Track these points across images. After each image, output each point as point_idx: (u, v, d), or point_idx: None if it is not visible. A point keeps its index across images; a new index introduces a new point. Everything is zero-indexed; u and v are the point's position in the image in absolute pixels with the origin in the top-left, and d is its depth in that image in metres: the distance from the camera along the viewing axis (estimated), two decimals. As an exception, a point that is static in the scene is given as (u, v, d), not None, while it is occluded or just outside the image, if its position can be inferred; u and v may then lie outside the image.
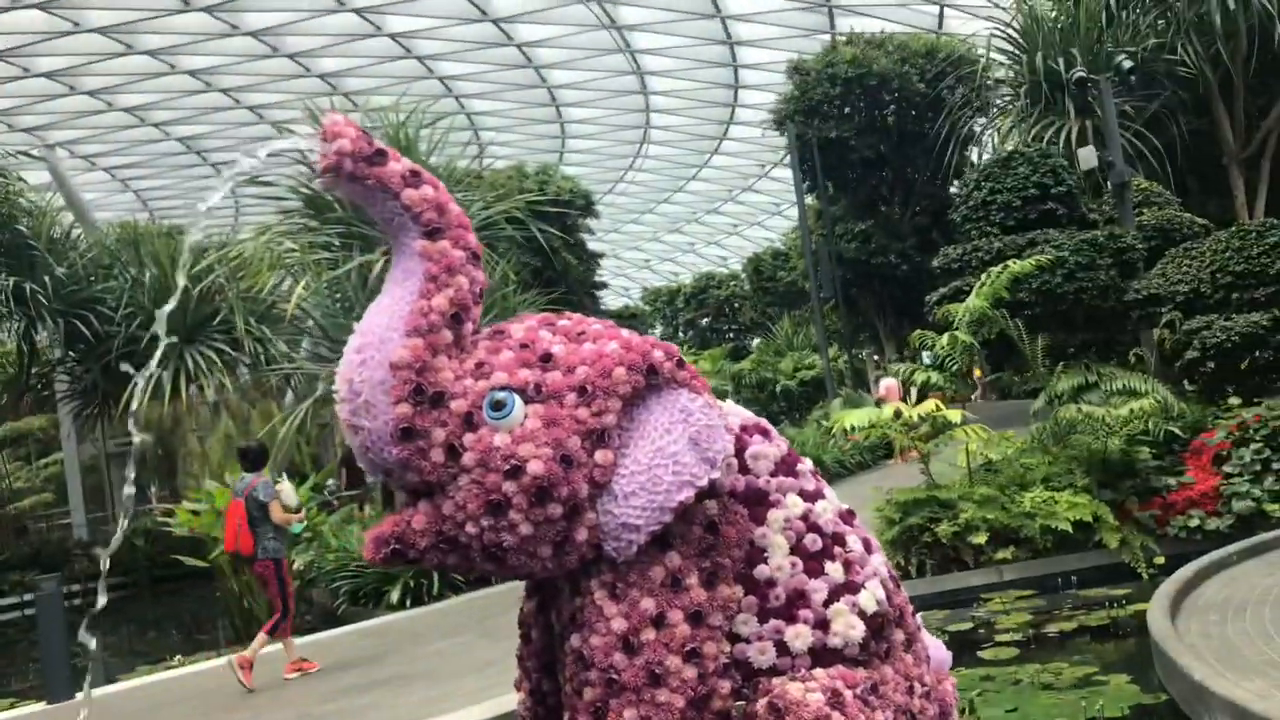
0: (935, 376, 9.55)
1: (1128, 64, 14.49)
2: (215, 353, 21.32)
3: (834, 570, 3.72)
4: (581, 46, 33.75)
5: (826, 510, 3.85)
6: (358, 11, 29.78)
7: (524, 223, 17.52)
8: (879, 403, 15.90)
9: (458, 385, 3.42)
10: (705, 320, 54.60)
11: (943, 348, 9.66)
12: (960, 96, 24.11)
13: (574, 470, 3.40)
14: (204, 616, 18.88)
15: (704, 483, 3.52)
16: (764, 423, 4.04)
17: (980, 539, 8.98)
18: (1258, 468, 9.30)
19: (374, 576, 12.33)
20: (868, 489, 10.49)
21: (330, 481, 22.59)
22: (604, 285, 38.00)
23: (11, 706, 10.57)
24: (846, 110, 26.05)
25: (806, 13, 31.83)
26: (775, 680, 3.56)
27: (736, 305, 51.39)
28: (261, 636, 8.89)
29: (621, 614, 3.50)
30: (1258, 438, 9.44)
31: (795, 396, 25.28)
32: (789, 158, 35.85)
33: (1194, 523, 9.20)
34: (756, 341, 46.58)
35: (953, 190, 29.06)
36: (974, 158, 28.32)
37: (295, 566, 13.93)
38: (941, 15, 30.74)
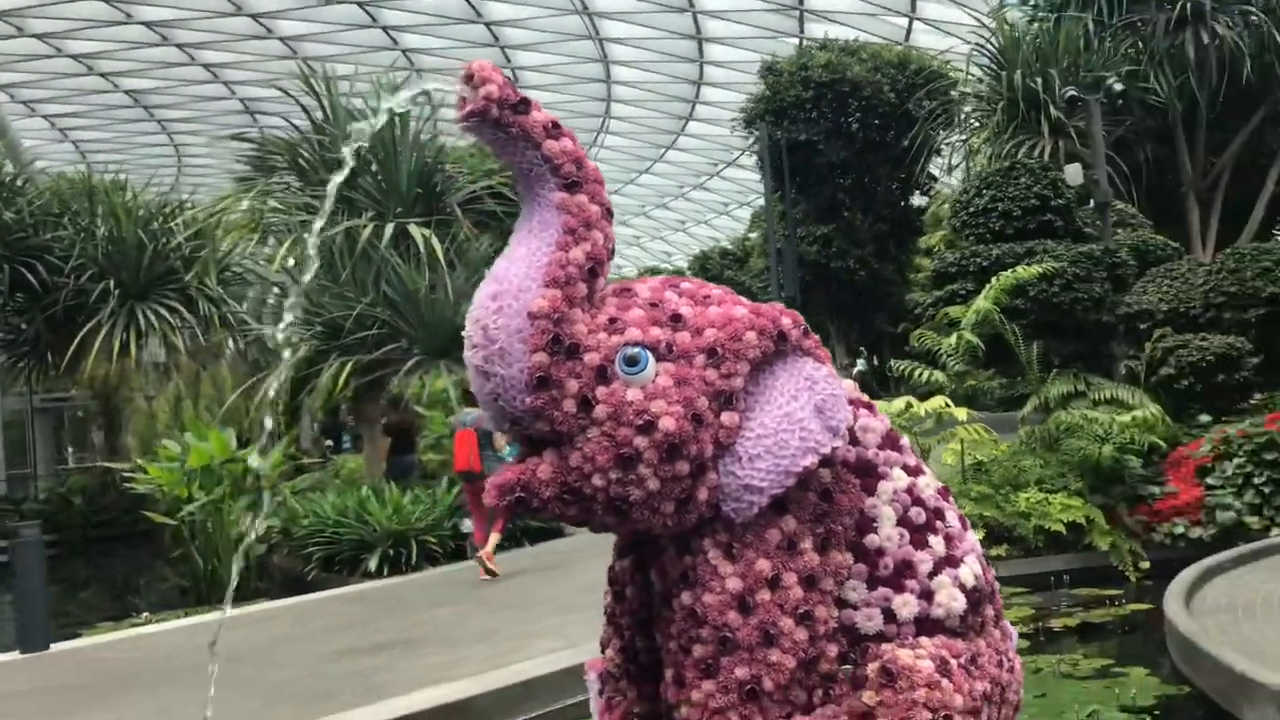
0: (939, 376, 9.75)
1: (1118, 86, 14.92)
2: (168, 310, 20.77)
3: (936, 544, 3.81)
4: (550, 30, 33.62)
5: (928, 486, 3.94)
6: (328, -25, 29.32)
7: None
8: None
9: (591, 338, 3.43)
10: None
11: (950, 347, 9.87)
12: (929, 109, 24.51)
13: (702, 430, 3.43)
14: (137, 578, 18.49)
15: (828, 450, 3.58)
16: (866, 397, 4.14)
17: (977, 535, 9.18)
18: (1239, 481, 9.69)
19: (351, 544, 12.16)
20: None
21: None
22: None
23: (-25, 656, 10.21)
24: (814, 115, 26.33)
25: (778, 15, 32.11)
26: (884, 646, 3.63)
27: (680, 301, 51.43)
28: (494, 537, 11.03)
29: (737, 574, 3.54)
30: (1240, 453, 9.83)
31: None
32: (744, 157, 36.15)
33: (1179, 530, 9.56)
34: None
35: (914, 201, 29.61)
36: (936, 171, 28.91)
37: (260, 530, 13.72)
38: (910, 29, 31.26)
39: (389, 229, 13.52)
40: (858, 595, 3.68)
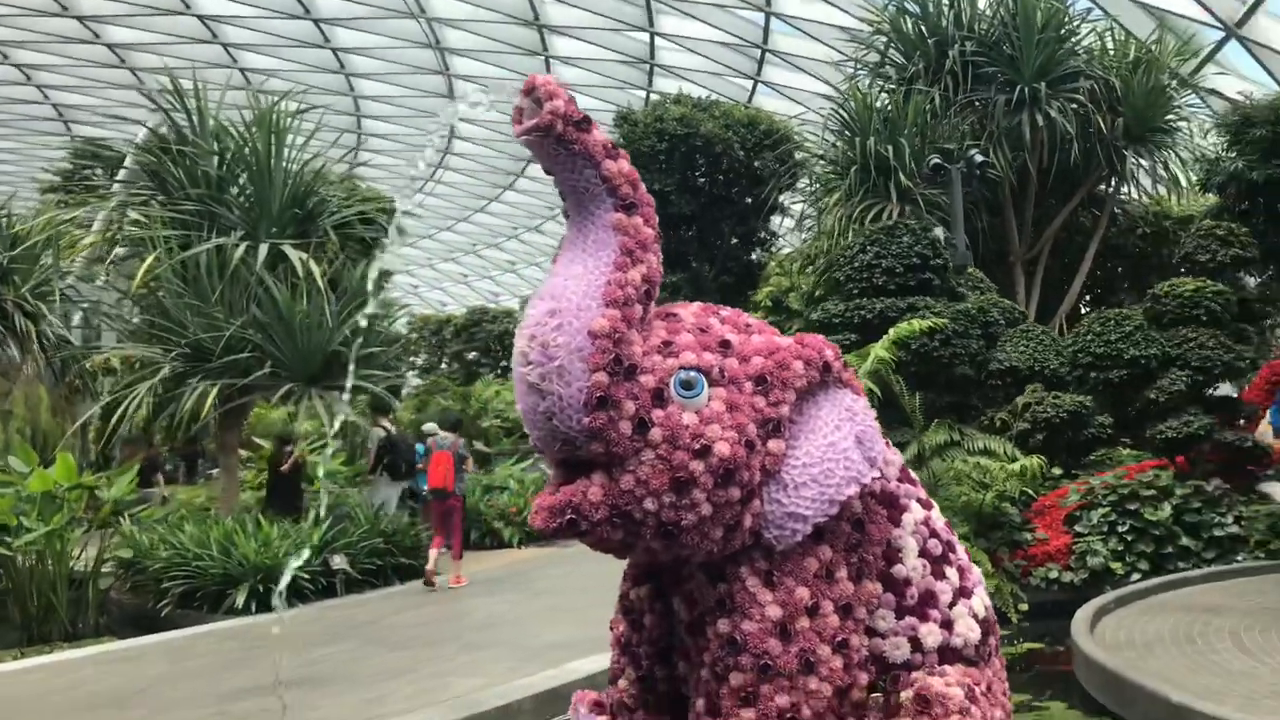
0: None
1: (980, 157, 15.94)
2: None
3: (952, 575, 3.97)
4: (398, 61, 33.14)
5: (939, 518, 4.11)
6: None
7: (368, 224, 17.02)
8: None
9: (647, 360, 3.45)
10: (473, 355, 53.98)
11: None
12: (776, 169, 25.45)
13: (753, 456, 3.49)
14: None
15: (868, 480, 3.70)
16: (879, 431, 4.28)
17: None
18: (1104, 529, 10.41)
19: (216, 578, 11.43)
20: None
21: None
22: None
23: None
24: (666, 166, 26.90)
25: (628, 67, 32.73)
26: (914, 674, 3.75)
27: (508, 343, 51.19)
28: (434, 554, 12.18)
29: (778, 601, 3.59)
30: (1105, 503, 10.57)
31: (595, 436, 25.58)
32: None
33: (1053, 574, 10.17)
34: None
35: (754, 256, 30.55)
36: (777, 228, 29.95)
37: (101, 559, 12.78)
38: (754, 90, 32.46)
39: (263, 249, 12.94)
40: (886, 624, 3.77)
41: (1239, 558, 10.34)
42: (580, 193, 3.51)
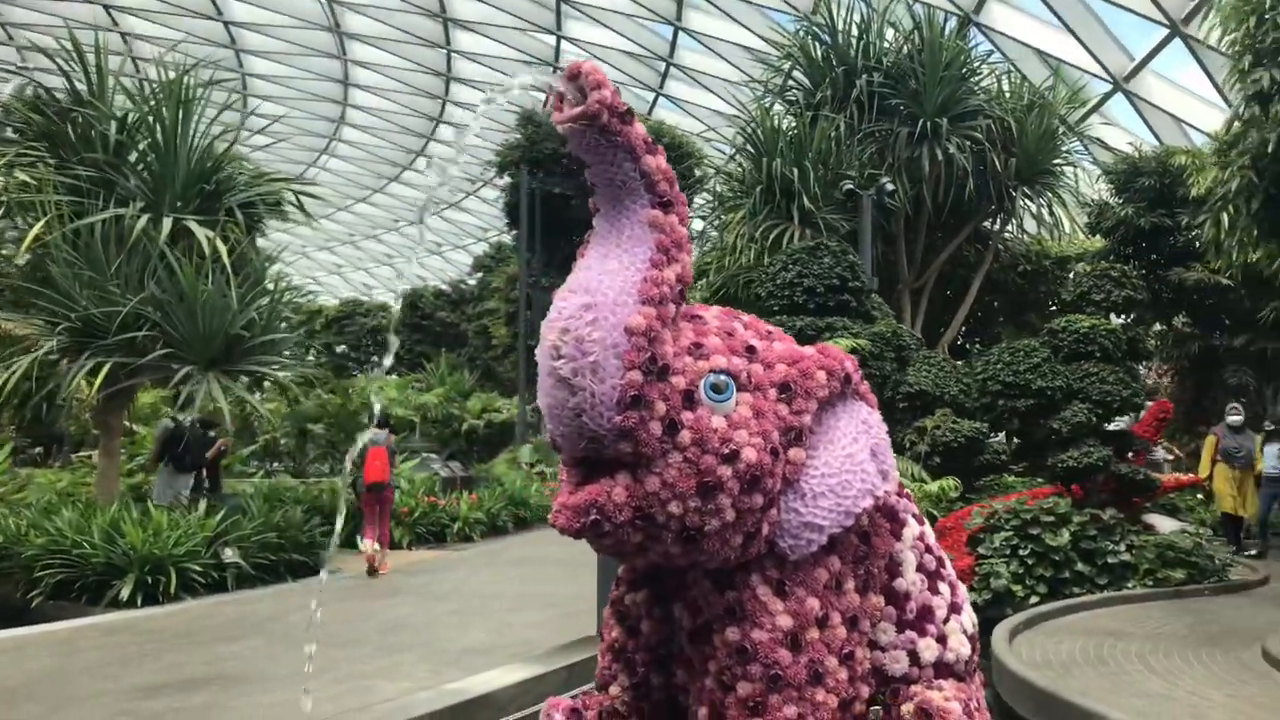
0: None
1: (890, 186, 16.33)
2: None
3: (945, 590, 4.04)
4: (293, 41, 32.11)
5: (930, 534, 4.18)
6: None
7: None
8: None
9: (678, 361, 3.42)
10: (342, 348, 52.61)
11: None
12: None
13: (777, 464, 3.49)
14: None
15: (881, 493, 3.73)
16: (880, 445, 4.32)
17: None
18: (1007, 552, 10.76)
19: (98, 568, 10.75)
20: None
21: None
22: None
23: None
24: (566, 170, 26.80)
25: (532, 69, 32.50)
26: (914, 688, 3.79)
27: (380, 338, 50.08)
28: (371, 544, 12.76)
29: (789, 611, 3.59)
30: (1007, 527, 10.92)
31: (479, 437, 25.26)
32: (468, 201, 35.83)
33: (958, 595, 10.42)
34: (392, 377, 45.51)
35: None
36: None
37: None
38: (654, 103, 32.65)
39: (167, 223, 12.30)
40: (886, 638, 3.80)
41: (1129, 584, 10.82)
42: (617, 186, 3.42)
